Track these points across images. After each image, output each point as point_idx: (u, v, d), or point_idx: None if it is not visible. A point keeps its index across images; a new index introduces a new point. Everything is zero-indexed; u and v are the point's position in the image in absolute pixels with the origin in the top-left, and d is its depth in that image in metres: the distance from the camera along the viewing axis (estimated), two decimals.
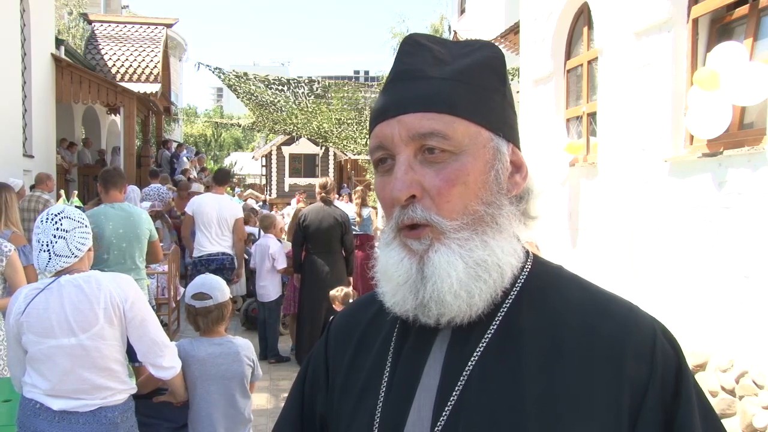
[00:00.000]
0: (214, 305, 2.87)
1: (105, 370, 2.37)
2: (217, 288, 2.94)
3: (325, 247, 6.24)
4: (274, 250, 6.71)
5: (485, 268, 0.80)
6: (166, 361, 2.48)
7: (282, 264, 6.75)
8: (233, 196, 16.29)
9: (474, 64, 0.84)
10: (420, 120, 0.80)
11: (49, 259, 2.37)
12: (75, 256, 2.41)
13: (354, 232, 7.86)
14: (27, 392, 2.38)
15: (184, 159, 15.20)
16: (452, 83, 0.82)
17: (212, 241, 6.27)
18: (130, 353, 2.53)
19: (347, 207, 8.42)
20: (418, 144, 0.81)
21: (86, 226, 2.49)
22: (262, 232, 7.54)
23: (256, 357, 3.02)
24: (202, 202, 6.43)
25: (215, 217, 6.29)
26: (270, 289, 6.71)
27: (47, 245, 2.37)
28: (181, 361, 2.66)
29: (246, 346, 2.95)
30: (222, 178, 6.95)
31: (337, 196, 8.99)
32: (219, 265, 6.23)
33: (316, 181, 6.86)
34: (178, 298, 7.63)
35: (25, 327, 2.34)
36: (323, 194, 6.37)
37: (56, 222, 2.39)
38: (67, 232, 2.39)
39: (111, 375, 2.40)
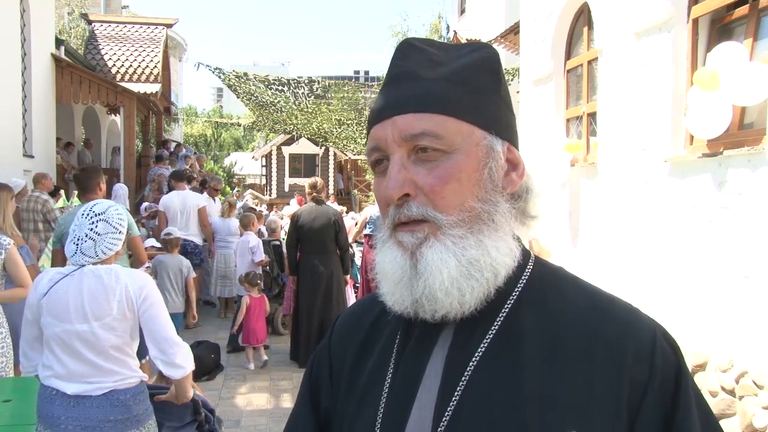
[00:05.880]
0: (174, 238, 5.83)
1: (113, 359, 2.43)
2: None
3: (319, 247, 6.23)
4: (253, 244, 7.17)
5: (478, 267, 0.80)
6: (178, 358, 2.48)
7: (260, 256, 7.12)
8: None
9: (468, 64, 0.85)
10: (412, 121, 0.81)
11: (75, 252, 2.44)
12: (99, 258, 2.47)
13: (369, 232, 7.89)
14: (44, 379, 2.44)
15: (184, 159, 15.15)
16: (445, 83, 0.83)
17: (178, 229, 7.47)
18: (138, 350, 2.55)
19: (369, 208, 8.37)
20: (411, 144, 0.82)
21: (120, 232, 2.53)
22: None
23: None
24: (168, 199, 7.83)
25: (179, 210, 7.68)
26: None
27: (78, 240, 2.44)
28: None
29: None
30: (178, 177, 8.29)
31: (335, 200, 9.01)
32: (182, 249, 7.48)
33: (306, 181, 6.95)
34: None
35: (44, 309, 2.42)
36: (314, 194, 6.39)
37: (93, 222, 2.46)
38: (99, 235, 2.45)
39: (121, 363, 2.45)
